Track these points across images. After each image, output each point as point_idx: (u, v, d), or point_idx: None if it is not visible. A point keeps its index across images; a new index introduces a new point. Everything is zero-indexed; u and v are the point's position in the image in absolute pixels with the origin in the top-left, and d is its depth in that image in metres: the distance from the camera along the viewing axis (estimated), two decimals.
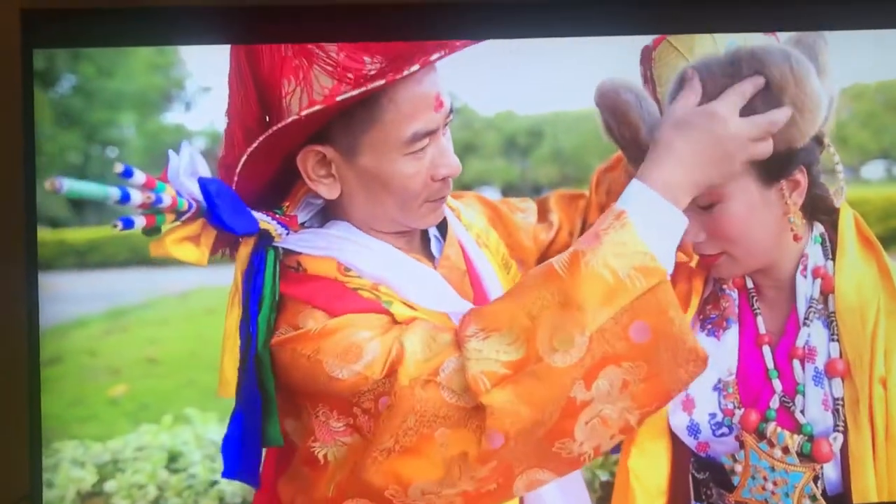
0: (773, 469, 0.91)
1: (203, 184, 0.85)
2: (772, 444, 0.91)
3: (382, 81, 0.83)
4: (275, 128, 0.85)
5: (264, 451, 0.93)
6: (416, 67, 0.83)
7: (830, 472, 0.90)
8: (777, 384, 0.94)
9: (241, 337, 0.87)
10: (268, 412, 0.87)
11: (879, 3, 1.13)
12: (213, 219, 0.85)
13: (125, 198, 0.78)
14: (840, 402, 0.90)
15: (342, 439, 0.85)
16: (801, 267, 0.95)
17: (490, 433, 0.78)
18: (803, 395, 0.92)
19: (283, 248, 0.92)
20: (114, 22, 1.14)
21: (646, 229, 0.80)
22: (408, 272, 0.93)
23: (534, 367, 0.78)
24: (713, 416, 0.95)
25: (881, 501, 0.89)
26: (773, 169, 0.89)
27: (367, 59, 0.85)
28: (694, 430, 0.96)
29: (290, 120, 0.84)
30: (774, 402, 0.93)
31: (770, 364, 0.95)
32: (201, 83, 1.43)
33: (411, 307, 0.89)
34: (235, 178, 0.88)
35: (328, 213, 0.97)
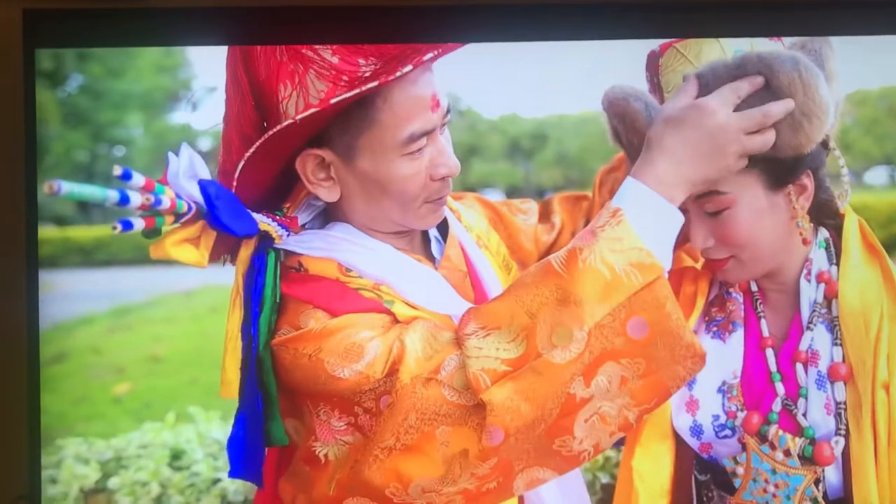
0: (774, 472, 0.91)
1: (202, 185, 0.85)
2: (773, 447, 0.91)
3: (376, 83, 0.83)
4: (271, 131, 0.85)
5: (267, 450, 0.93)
6: (409, 68, 0.83)
7: (832, 475, 0.90)
8: (780, 387, 0.94)
9: (242, 339, 0.88)
10: (270, 412, 0.87)
11: (882, 8, 1.13)
12: (212, 220, 0.85)
13: (124, 200, 0.78)
14: (842, 406, 0.90)
15: (343, 438, 0.85)
16: (805, 271, 0.95)
17: (490, 429, 0.78)
18: (806, 399, 0.92)
19: (284, 250, 0.92)
20: (114, 22, 1.15)
21: (641, 226, 0.80)
22: (409, 273, 0.93)
23: (533, 363, 0.78)
24: (716, 417, 0.95)
25: None
26: (780, 174, 0.89)
27: (361, 61, 0.85)
28: (697, 431, 0.96)
29: (286, 124, 0.84)
30: (777, 405, 0.93)
31: (773, 367, 0.95)
32: (207, 83, 1.43)
33: (413, 307, 0.89)
34: (234, 184, 0.88)
35: (329, 214, 0.97)
